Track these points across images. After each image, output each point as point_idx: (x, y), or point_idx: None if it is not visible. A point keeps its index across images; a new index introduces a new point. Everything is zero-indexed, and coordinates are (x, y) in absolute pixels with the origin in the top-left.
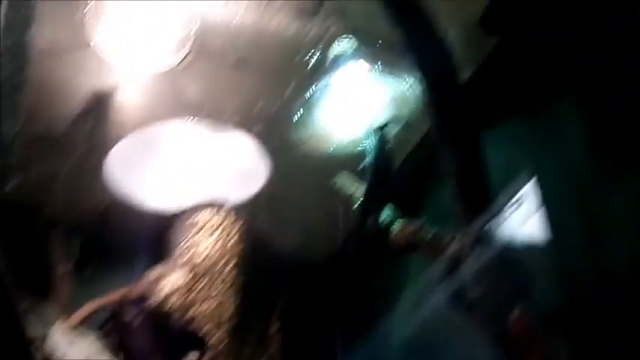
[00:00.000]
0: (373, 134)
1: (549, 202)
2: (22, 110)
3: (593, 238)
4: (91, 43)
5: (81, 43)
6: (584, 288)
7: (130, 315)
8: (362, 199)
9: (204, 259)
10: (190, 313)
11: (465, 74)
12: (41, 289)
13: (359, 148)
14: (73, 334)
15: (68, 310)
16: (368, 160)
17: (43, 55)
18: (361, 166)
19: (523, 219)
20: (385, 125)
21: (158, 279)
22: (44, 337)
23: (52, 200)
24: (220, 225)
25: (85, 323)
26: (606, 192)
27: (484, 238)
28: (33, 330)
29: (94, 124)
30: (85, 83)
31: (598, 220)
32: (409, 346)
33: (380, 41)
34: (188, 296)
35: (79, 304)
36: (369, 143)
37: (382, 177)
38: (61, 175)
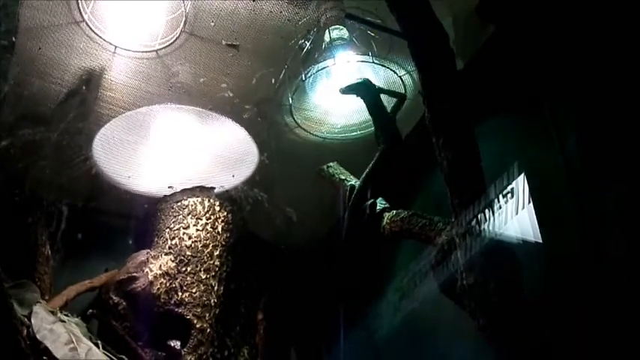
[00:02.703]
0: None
1: (541, 193)
2: (8, 73)
3: (584, 229)
4: (82, 22)
5: (71, 22)
6: (575, 277)
7: (115, 298)
8: (359, 185)
9: (191, 245)
10: (176, 297)
11: (460, 63)
12: (24, 270)
13: (351, 134)
14: (56, 315)
15: (51, 290)
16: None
17: (33, 33)
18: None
19: (515, 209)
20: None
21: (144, 263)
22: (27, 317)
23: (38, 181)
24: (209, 210)
25: (69, 305)
26: (598, 184)
27: (476, 227)
28: (16, 309)
29: (83, 103)
30: (75, 62)
31: (589, 211)
32: (398, 333)
33: (373, 31)
34: (174, 281)
35: (63, 287)
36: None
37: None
38: (48, 155)
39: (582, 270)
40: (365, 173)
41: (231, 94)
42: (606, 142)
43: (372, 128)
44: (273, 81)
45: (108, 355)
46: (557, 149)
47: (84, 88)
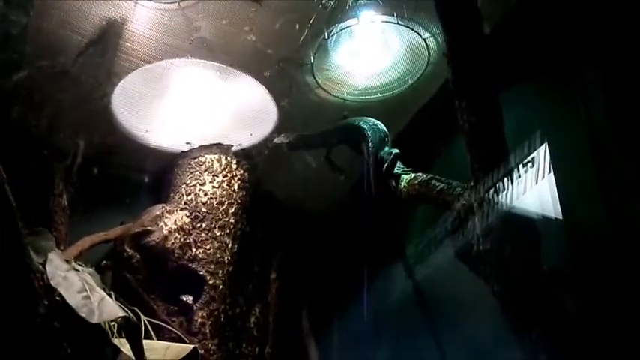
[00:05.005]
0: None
1: (565, 161)
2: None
3: (607, 198)
4: None
5: None
6: (596, 247)
7: (130, 251)
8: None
9: (207, 201)
10: (190, 253)
11: (487, 28)
12: (41, 218)
13: (372, 96)
14: (70, 265)
15: (66, 240)
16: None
17: None
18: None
19: (535, 178)
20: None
21: (160, 217)
22: (42, 264)
23: (57, 131)
24: (225, 168)
25: (84, 256)
26: (621, 153)
27: (494, 193)
28: (32, 256)
29: (103, 55)
30: (96, 11)
31: (612, 180)
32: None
33: None
34: (189, 237)
35: (79, 238)
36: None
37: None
38: (67, 106)
39: (603, 241)
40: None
41: (252, 51)
42: (633, 112)
43: (393, 91)
44: (295, 39)
45: (120, 306)
46: (582, 118)
47: (104, 38)
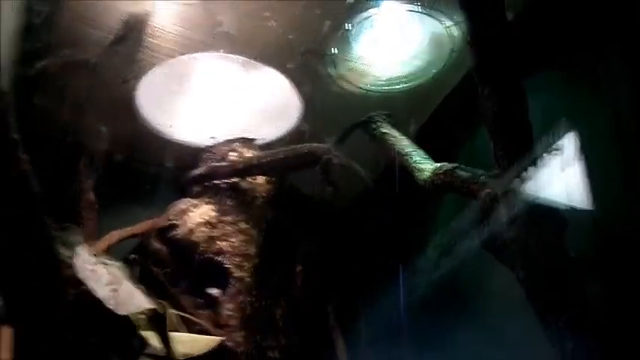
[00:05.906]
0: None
1: (591, 149)
2: None
3: (634, 185)
4: None
5: None
6: (623, 235)
7: (156, 245)
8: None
9: (232, 194)
10: (216, 246)
11: (510, 14)
12: (68, 213)
13: (395, 87)
14: (97, 259)
15: (94, 235)
16: None
17: None
18: None
19: (562, 166)
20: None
21: (185, 211)
22: (69, 258)
23: (83, 125)
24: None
25: (111, 251)
26: None
27: (519, 181)
28: (59, 251)
29: (128, 50)
30: (120, 8)
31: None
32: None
33: None
34: (214, 230)
35: (106, 232)
36: None
37: None
38: (92, 101)
39: (630, 228)
40: None
41: (274, 43)
42: None
43: (417, 81)
44: (317, 30)
45: (148, 299)
46: (608, 106)
47: (128, 33)
